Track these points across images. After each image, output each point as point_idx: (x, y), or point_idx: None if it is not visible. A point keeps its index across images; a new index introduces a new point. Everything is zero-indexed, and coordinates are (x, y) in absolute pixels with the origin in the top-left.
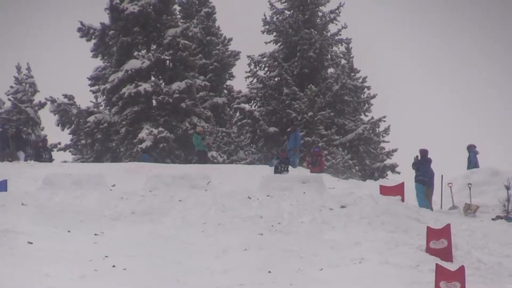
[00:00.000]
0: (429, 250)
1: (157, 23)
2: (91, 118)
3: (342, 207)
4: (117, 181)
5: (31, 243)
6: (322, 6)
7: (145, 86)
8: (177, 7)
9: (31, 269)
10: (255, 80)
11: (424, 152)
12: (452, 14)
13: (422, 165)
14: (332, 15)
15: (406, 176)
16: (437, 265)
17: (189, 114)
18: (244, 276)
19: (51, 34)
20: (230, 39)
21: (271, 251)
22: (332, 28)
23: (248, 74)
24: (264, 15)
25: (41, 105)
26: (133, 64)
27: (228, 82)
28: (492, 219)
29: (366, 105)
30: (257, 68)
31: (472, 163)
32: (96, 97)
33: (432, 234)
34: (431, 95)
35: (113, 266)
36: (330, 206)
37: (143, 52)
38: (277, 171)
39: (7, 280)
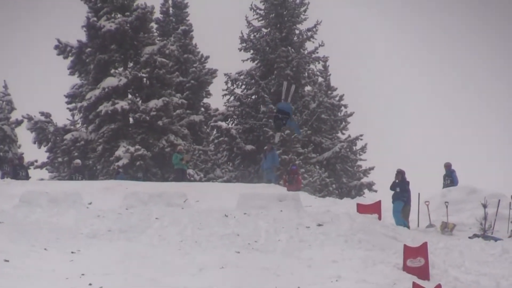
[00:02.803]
0: (406, 269)
1: (134, 41)
2: (68, 136)
3: (319, 225)
4: (94, 199)
5: (8, 261)
6: (299, 24)
7: (122, 104)
8: (154, 25)
9: (7, 287)
10: (232, 98)
11: (402, 173)
12: (429, 33)
13: (401, 185)
14: (309, 33)
15: (383, 194)
16: (414, 283)
17: (166, 132)
18: None
19: (28, 51)
20: (207, 57)
21: (248, 269)
22: (309, 46)
23: (225, 92)
24: (241, 33)
25: (18, 123)
26: (110, 81)
27: (205, 100)
28: (469, 238)
29: (343, 123)
30: (234, 86)
31: (456, 181)
32: (73, 115)
33: (409, 252)
34: (408, 113)
35: (90, 284)
36: (307, 224)
37: (120, 69)
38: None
39: None
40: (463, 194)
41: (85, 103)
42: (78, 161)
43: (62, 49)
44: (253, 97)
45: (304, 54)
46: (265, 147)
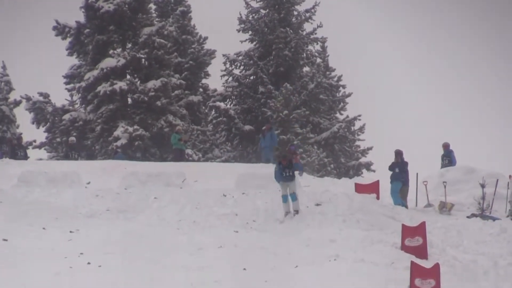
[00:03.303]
0: (404, 248)
1: (133, 22)
2: (67, 116)
3: (317, 205)
4: (93, 178)
5: (6, 240)
6: (297, 5)
7: (120, 85)
8: (152, 6)
9: (6, 266)
10: (230, 79)
11: (401, 153)
12: (428, 12)
13: (399, 166)
14: (307, 14)
15: (381, 174)
16: (412, 262)
17: (164, 112)
18: (219, 274)
19: (26, 32)
20: (206, 38)
21: (246, 248)
22: (308, 27)
23: (224, 72)
24: (240, 14)
25: (17, 103)
26: (108, 62)
27: (204, 81)
28: (467, 217)
29: (341, 104)
30: (233, 66)
31: (454, 161)
32: (71, 95)
33: (407, 232)
34: (406, 93)
35: (88, 263)
36: (305, 203)
37: (119, 50)
38: (281, 178)
39: None
40: (461, 174)
41: (83, 84)
42: (73, 138)
43: (61, 30)
44: (252, 77)
45: (303, 35)
46: (264, 127)
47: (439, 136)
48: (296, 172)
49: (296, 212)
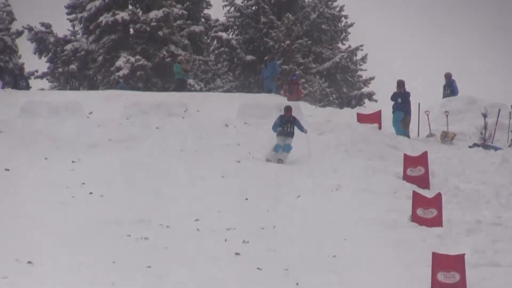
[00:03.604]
0: (406, 178)
1: None
2: (68, 46)
3: (320, 134)
4: (94, 108)
5: (8, 170)
6: None
7: (122, 15)
8: None
9: (8, 196)
10: (232, 9)
11: (403, 83)
12: None
13: (402, 96)
14: None
15: (383, 104)
16: (414, 192)
17: (166, 43)
18: (222, 203)
19: None
20: None
21: (248, 178)
22: None
23: (226, 2)
24: None
25: (19, 34)
26: None
27: (206, 11)
28: (469, 147)
29: (343, 34)
30: None
31: (456, 91)
32: (73, 26)
33: (409, 161)
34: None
35: (90, 193)
36: (307, 134)
37: None
38: (282, 133)
39: None
40: (463, 104)
41: (85, 14)
42: (73, 66)
43: None
44: (254, 8)
45: None
46: (266, 57)
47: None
48: (302, 133)
49: (281, 160)
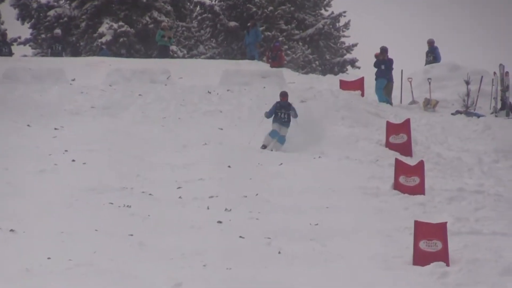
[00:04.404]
0: (388, 145)
1: None
2: (51, 12)
3: (302, 101)
4: (77, 75)
5: None
6: None
7: None
8: None
9: None
10: None
11: (386, 50)
12: None
13: (385, 63)
14: None
15: (366, 71)
16: (396, 159)
17: (149, 9)
18: (204, 171)
19: None
20: None
21: (231, 145)
22: None
23: None
24: None
25: None
26: None
27: None
28: (452, 114)
29: (326, 0)
30: None
31: (438, 58)
32: None
33: (391, 129)
34: None
35: (73, 160)
36: (290, 100)
37: None
38: (276, 119)
39: None
40: (445, 70)
41: None
42: (58, 31)
43: None
44: None
45: None
46: (248, 24)
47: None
48: (294, 119)
49: (273, 149)
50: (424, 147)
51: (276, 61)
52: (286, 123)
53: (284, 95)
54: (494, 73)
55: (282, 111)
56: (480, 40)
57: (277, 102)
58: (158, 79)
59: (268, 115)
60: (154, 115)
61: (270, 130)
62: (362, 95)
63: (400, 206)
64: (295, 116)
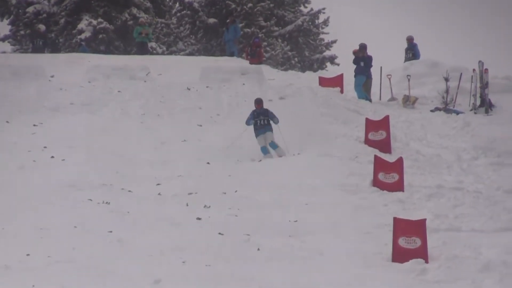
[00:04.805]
0: (367, 142)
1: None
2: (30, 9)
3: (281, 98)
4: (56, 72)
5: None
6: None
7: None
8: None
9: None
10: None
11: (365, 47)
12: None
13: (365, 60)
14: None
15: (345, 67)
16: (375, 156)
17: (128, 5)
18: (183, 167)
19: None
20: None
21: (209, 142)
22: None
23: None
24: None
25: None
26: None
27: None
28: (431, 111)
29: None
30: None
31: (418, 55)
32: None
33: (371, 125)
34: None
35: (52, 157)
36: (269, 97)
37: None
38: (257, 127)
39: None
40: (425, 67)
41: None
42: (41, 25)
43: None
44: None
45: None
46: (228, 20)
47: (403, 30)
48: (274, 124)
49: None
50: (403, 144)
51: (255, 58)
52: (267, 126)
53: (258, 102)
54: (473, 70)
55: (260, 118)
56: (459, 37)
57: (254, 111)
58: (137, 76)
59: (248, 123)
60: (133, 112)
61: (260, 150)
62: (341, 91)
63: (379, 203)
64: (277, 122)
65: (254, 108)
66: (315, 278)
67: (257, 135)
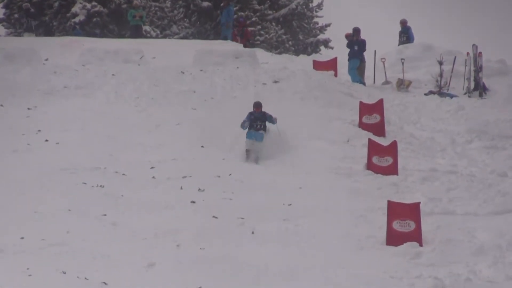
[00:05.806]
0: (361, 125)
1: None
2: None
3: (275, 82)
4: (50, 55)
5: None
6: None
7: None
8: None
9: None
10: None
11: (359, 31)
12: None
13: (358, 43)
14: None
15: (339, 51)
16: (369, 140)
17: None
18: (177, 151)
19: None
20: None
21: (204, 126)
22: None
23: None
24: None
25: None
26: None
27: None
28: (425, 94)
29: None
30: None
31: (412, 38)
32: None
33: (365, 109)
34: None
35: (46, 140)
36: (263, 81)
37: None
38: (252, 128)
39: None
40: (419, 51)
41: None
42: (26, 4)
43: None
44: None
45: None
46: (222, 3)
47: (397, 13)
48: (271, 125)
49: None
50: (397, 127)
51: (243, 38)
52: (260, 132)
53: (258, 106)
54: (467, 53)
55: (257, 123)
56: (453, 20)
57: (251, 113)
58: (132, 59)
59: (243, 126)
60: (127, 95)
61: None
62: (335, 75)
63: (373, 186)
64: (274, 121)
65: (251, 107)
66: (309, 261)
67: (248, 136)
